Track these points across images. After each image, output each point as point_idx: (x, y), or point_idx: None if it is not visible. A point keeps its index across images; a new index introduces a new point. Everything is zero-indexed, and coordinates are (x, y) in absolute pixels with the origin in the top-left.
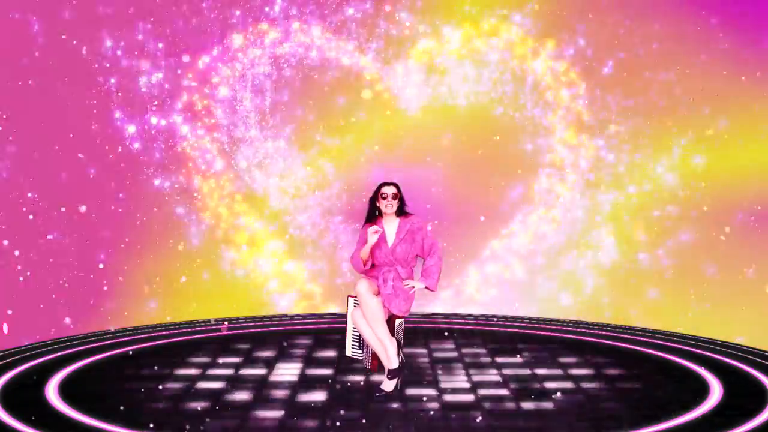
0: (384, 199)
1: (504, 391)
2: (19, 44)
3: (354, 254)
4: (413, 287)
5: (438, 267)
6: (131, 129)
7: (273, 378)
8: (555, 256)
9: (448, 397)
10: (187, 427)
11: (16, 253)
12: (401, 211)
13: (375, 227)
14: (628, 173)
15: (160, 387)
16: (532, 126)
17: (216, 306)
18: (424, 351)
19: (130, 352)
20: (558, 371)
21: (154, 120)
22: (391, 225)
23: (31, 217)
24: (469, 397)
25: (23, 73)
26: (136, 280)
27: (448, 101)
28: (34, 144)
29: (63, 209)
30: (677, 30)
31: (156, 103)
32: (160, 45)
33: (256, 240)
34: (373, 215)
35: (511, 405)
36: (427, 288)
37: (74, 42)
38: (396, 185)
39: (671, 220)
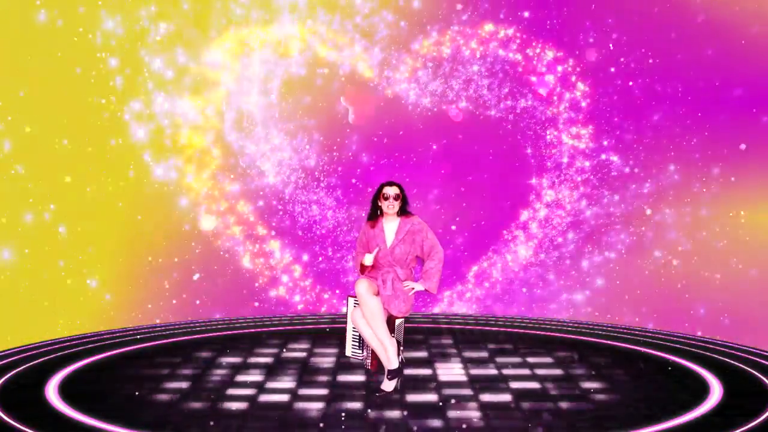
0: (386, 199)
1: (505, 394)
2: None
3: (356, 256)
4: (412, 289)
5: (438, 269)
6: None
7: (273, 378)
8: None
9: (447, 391)
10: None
11: (26, 251)
12: (403, 211)
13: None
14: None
15: (161, 387)
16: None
17: (216, 305)
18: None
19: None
20: (558, 371)
21: (158, 103)
22: (391, 225)
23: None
24: (468, 392)
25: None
26: (139, 278)
27: (451, 101)
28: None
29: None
30: None
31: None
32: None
33: (258, 239)
34: (374, 214)
35: (511, 405)
36: (427, 291)
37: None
38: (399, 185)
39: None
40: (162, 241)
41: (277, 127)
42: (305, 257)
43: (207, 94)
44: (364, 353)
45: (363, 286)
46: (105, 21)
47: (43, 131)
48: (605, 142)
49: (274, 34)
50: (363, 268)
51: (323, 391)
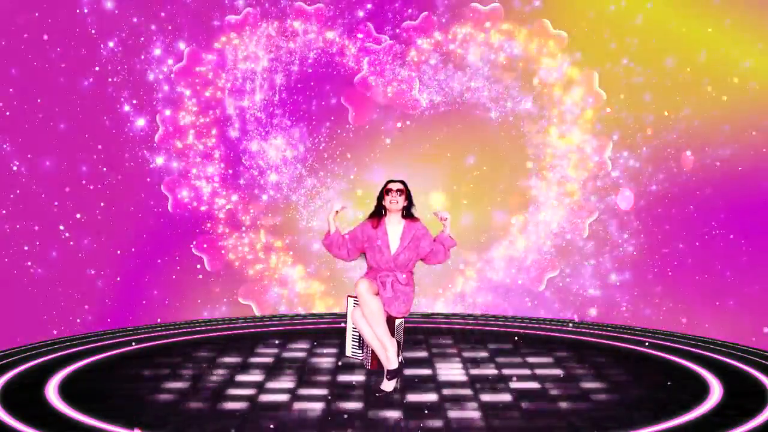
0: (389, 194)
1: (505, 394)
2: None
3: (334, 234)
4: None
5: (450, 246)
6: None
7: (273, 378)
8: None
9: (447, 391)
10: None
11: (25, 248)
12: (407, 212)
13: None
14: None
15: (161, 386)
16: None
17: (217, 305)
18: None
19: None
20: (558, 371)
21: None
22: (395, 228)
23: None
24: (468, 391)
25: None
26: (138, 277)
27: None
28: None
29: (79, 215)
30: None
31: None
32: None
33: (258, 238)
34: (378, 213)
35: (511, 404)
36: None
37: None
38: (403, 182)
39: None
40: (161, 239)
41: (278, 123)
42: (315, 245)
43: (211, 87)
44: (364, 353)
45: (363, 286)
46: (104, 3)
47: (41, 124)
48: (615, 137)
49: (279, 27)
50: (328, 235)
51: (323, 391)
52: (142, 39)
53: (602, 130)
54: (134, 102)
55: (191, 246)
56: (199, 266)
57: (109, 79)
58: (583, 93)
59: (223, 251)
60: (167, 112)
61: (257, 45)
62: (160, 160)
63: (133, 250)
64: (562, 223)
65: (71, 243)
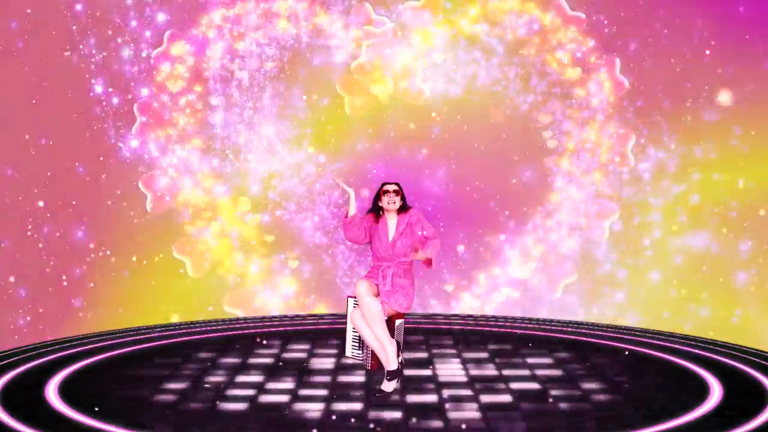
0: (386, 194)
1: (506, 395)
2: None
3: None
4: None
5: (437, 245)
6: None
7: (274, 378)
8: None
9: (447, 392)
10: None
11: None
12: (402, 209)
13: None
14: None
15: (161, 387)
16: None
17: (215, 304)
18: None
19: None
20: (558, 371)
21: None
22: (391, 221)
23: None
24: (468, 392)
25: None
26: (139, 278)
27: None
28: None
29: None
30: None
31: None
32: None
33: (257, 238)
34: (376, 214)
35: (511, 405)
36: (426, 260)
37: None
38: (397, 184)
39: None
40: (159, 239)
41: (268, 112)
42: (302, 259)
43: (196, 80)
44: (364, 353)
45: (363, 287)
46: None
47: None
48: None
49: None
50: (348, 216)
51: (322, 392)
52: (118, 20)
53: (624, 122)
54: (110, 90)
55: (172, 248)
56: (181, 271)
57: (82, 65)
58: (602, 80)
59: (207, 254)
60: (144, 92)
61: (245, 27)
62: (135, 143)
63: (109, 252)
64: (580, 224)
65: (40, 245)
